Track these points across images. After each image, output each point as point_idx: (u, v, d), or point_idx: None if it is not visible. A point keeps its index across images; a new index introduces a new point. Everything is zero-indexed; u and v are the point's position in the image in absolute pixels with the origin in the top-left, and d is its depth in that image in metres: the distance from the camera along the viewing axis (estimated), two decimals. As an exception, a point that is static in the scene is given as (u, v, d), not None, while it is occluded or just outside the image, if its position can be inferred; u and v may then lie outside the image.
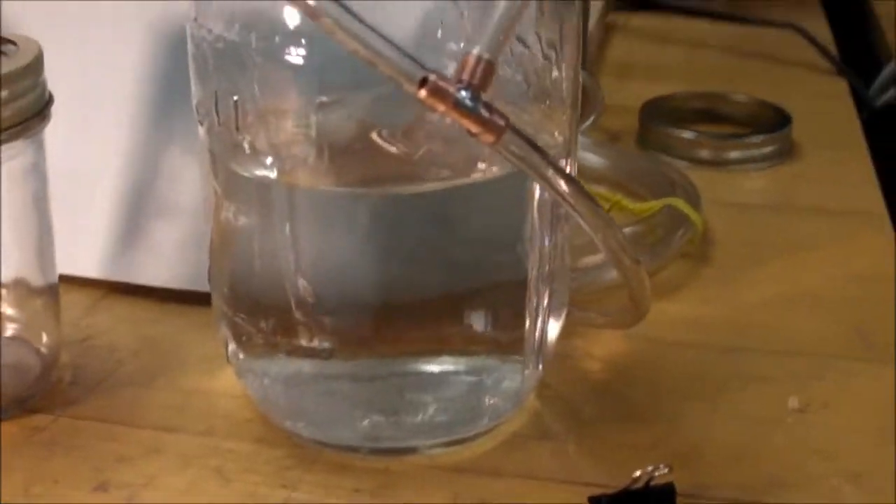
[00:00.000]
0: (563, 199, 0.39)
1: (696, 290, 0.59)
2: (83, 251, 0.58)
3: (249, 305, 0.46)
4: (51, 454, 0.47)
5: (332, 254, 0.44)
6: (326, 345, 0.45)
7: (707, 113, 0.79)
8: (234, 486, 0.45)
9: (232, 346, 0.48)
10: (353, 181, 0.44)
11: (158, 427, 0.49)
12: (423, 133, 0.42)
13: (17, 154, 0.48)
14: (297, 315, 0.45)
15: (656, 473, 0.41)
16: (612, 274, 0.57)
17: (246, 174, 0.44)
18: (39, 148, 0.50)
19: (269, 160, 0.43)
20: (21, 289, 0.51)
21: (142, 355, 0.54)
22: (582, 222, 0.40)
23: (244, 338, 0.47)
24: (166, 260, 0.57)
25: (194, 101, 0.46)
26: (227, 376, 0.51)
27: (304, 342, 0.45)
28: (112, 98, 0.58)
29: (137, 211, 0.58)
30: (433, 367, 0.46)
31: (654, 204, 0.63)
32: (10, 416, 0.49)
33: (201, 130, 0.46)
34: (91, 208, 0.58)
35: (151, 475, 0.46)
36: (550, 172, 0.38)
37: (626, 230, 0.60)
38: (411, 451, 0.47)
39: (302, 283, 0.44)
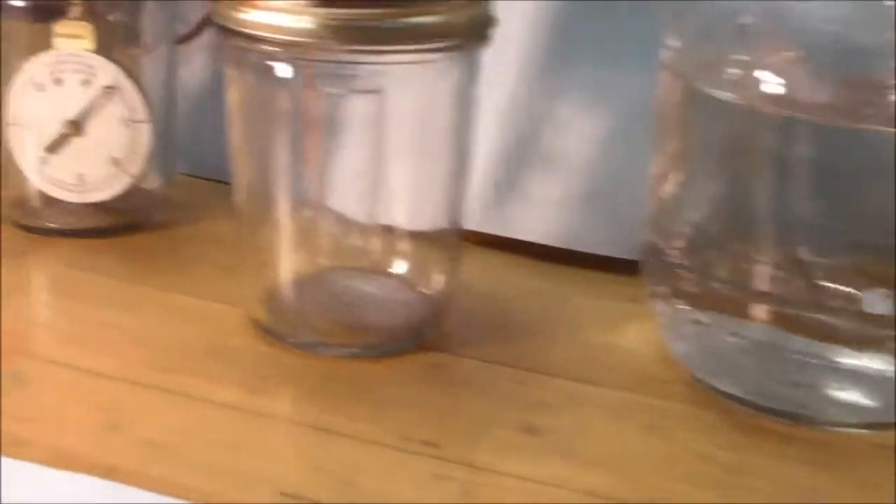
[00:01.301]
0: None
1: None
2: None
3: (707, 254, 0.43)
4: (460, 391, 0.44)
5: (810, 199, 0.41)
6: (781, 301, 0.41)
7: None
8: (674, 443, 0.42)
9: (666, 298, 0.44)
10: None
11: (570, 377, 0.45)
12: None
13: (443, 72, 0.45)
14: (763, 266, 0.41)
15: None
16: None
17: (724, 98, 0.41)
18: (471, 73, 0.46)
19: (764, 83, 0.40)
20: (429, 231, 0.49)
21: (529, 307, 0.50)
22: None
23: (687, 289, 0.43)
24: (544, 215, 0.54)
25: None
26: (627, 333, 0.48)
27: (761, 299, 0.42)
28: (504, 40, 0.55)
29: (517, 162, 0.55)
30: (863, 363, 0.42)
31: None
32: (405, 351, 0.46)
33: (667, 54, 0.43)
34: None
35: (582, 424, 0.43)
36: None
37: None
38: (846, 425, 0.43)
39: (781, 230, 0.40)
